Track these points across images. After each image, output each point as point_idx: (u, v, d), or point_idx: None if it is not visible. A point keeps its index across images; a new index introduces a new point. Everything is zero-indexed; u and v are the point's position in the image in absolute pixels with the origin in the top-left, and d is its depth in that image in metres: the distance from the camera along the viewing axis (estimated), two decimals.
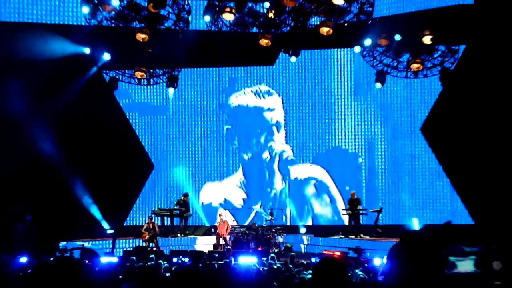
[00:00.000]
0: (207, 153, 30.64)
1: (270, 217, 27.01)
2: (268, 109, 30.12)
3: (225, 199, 30.30)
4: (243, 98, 30.25)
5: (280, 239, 26.96)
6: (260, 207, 29.93)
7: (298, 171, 29.86)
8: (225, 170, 30.67)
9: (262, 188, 30.21)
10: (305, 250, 27.10)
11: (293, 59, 27.17)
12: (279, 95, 30.13)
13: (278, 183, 30.04)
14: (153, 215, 26.46)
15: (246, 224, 28.96)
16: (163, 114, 30.70)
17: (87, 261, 18.15)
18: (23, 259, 19.34)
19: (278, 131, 30.08)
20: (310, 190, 29.65)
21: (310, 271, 15.37)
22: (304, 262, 18.43)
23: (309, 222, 29.56)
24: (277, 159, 30.11)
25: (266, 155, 30.10)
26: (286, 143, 30.15)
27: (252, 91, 30.22)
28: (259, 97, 30.15)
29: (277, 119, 30.09)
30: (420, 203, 28.43)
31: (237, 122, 30.33)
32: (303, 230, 28.79)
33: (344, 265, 4.72)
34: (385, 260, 18.63)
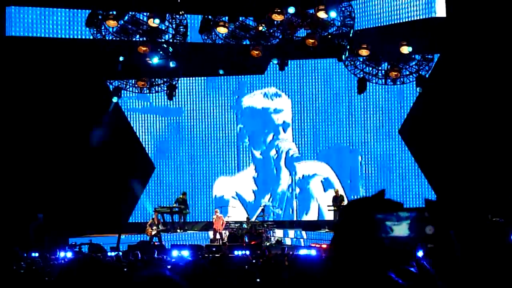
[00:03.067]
0: (219, 150, 31.43)
1: (262, 214, 27.85)
2: (275, 110, 30.90)
3: (236, 193, 31.02)
4: (252, 99, 31.19)
5: (272, 233, 27.77)
6: (269, 200, 30.65)
7: (304, 168, 30.62)
8: (236, 165, 31.49)
9: (270, 183, 31.09)
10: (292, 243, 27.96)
11: (281, 68, 27.85)
12: (288, 97, 30.94)
13: (285, 179, 30.77)
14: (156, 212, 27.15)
15: (255, 216, 29.81)
16: (166, 116, 31.47)
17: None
18: (36, 254, 20.12)
19: (284, 130, 30.82)
20: (316, 185, 30.36)
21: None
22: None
23: (315, 217, 30.29)
24: (283, 156, 30.86)
25: (273, 152, 30.88)
26: (293, 141, 30.88)
27: (261, 93, 31.05)
28: (267, 98, 30.94)
29: (284, 119, 30.84)
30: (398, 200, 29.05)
31: (247, 122, 31.18)
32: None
33: None
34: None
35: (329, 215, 28.53)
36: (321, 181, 30.36)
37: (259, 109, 31.16)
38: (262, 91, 31.22)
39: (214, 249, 22.23)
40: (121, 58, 26.62)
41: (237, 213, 30.18)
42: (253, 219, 29.15)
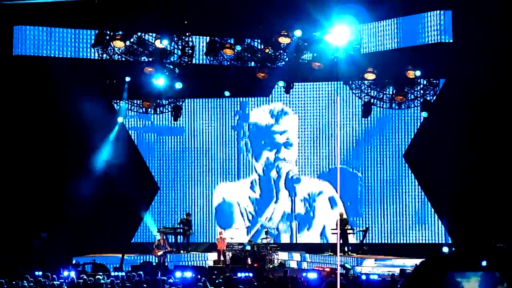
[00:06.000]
0: (220, 165, 31.29)
1: (265, 236, 27.67)
2: (280, 130, 30.73)
3: (238, 203, 30.98)
4: (258, 115, 30.97)
5: (275, 256, 27.57)
6: (267, 220, 30.41)
7: (306, 187, 30.49)
8: (236, 173, 31.28)
9: (269, 204, 30.81)
10: (297, 266, 27.74)
11: (286, 91, 27.77)
12: (295, 113, 30.77)
13: (285, 200, 30.58)
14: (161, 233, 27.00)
15: (250, 236, 29.66)
16: (171, 135, 31.38)
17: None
18: (39, 273, 20.01)
19: (287, 149, 30.58)
20: (321, 204, 30.14)
21: None
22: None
23: (316, 239, 30.13)
24: (283, 176, 30.64)
25: (274, 173, 30.68)
26: (297, 160, 30.73)
27: (268, 110, 30.91)
28: (273, 116, 30.75)
29: (287, 138, 30.65)
30: (404, 225, 28.93)
31: (252, 137, 31.06)
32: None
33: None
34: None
35: (333, 238, 28.39)
36: (328, 199, 30.14)
37: (263, 126, 31.03)
38: (270, 106, 30.99)
39: (216, 271, 22.02)
40: (127, 79, 26.60)
41: (237, 234, 29.84)
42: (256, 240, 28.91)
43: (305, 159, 30.67)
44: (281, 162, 30.72)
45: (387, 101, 27.14)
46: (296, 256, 28.65)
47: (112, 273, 21.47)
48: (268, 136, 30.93)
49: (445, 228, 27.97)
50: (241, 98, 30.97)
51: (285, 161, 30.64)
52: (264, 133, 30.96)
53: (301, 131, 30.68)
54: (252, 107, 31.10)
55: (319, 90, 30.38)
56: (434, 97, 26.95)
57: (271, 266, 26.02)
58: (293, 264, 28.32)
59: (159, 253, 25.88)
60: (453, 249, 24.86)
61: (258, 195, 30.90)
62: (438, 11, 26.53)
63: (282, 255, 28.54)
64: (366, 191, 29.97)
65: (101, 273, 20.14)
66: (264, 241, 27.81)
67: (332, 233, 28.37)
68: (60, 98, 27.39)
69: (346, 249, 26.89)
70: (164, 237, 26.84)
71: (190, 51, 25.73)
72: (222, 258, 26.79)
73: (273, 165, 30.79)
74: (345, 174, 29.88)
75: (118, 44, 24.76)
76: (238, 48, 25.89)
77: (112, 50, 25.46)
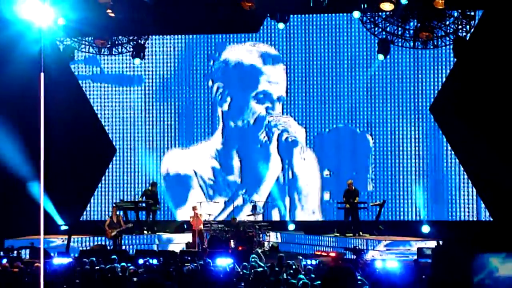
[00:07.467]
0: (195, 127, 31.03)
1: (253, 211, 27.37)
2: (272, 80, 30.16)
3: (194, 172, 30.36)
4: (243, 52, 30.46)
5: (265, 237, 27.28)
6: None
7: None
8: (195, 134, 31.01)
9: (257, 172, 30.40)
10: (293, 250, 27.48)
11: (280, 25, 27.31)
12: (285, 63, 30.41)
13: (275, 168, 30.11)
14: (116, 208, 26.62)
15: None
16: (128, 85, 30.75)
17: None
18: None
19: (280, 102, 30.17)
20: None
21: (302, 276, 15.65)
22: (293, 264, 18.70)
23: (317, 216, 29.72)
24: (275, 137, 30.14)
25: (263, 135, 30.15)
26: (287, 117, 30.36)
27: (256, 49, 30.26)
28: (263, 59, 30.17)
29: (279, 90, 30.14)
30: (428, 196, 28.73)
31: (230, 80, 30.46)
32: (291, 226, 29.05)
33: (354, 274, 5.01)
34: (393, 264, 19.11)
35: (339, 214, 28.12)
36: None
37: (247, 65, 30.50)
38: (258, 46, 30.52)
39: (189, 257, 21.67)
40: None
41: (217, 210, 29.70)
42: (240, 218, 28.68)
43: (299, 115, 30.32)
44: (273, 118, 30.25)
45: (409, 38, 26.90)
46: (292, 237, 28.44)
47: (55, 260, 20.99)
48: (257, 82, 30.52)
49: (482, 201, 27.79)
50: (220, 36, 30.43)
51: (278, 118, 30.24)
52: (253, 76, 30.56)
53: (297, 81, 30.45)
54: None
55: (321, 24, 30.00)
56: (469, 34, 26.67)
57: (260, 251, 25.72)
58: (286, 248, 28.10)
59: (112, 234, 25.50)
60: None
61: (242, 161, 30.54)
62: None
63: (275, 237, 28.26)
64: (378, 156, 29.66)
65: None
66: (251, 218, 27.47)
67: (339, 208, 28.00)
68: None
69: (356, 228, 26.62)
70: (119, 213, 26.53)
71: None
72: (197, 241, 26.55)
73: (261, 120, 30.35)
74: (352, 135, 29.57)
75: None
76: None
77: None
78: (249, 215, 27.98)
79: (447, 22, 26.43)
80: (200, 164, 30.57)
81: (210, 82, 30.48)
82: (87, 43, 28.32)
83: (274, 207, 30.05)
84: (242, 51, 30.36)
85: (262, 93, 30.19)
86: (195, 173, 30.44)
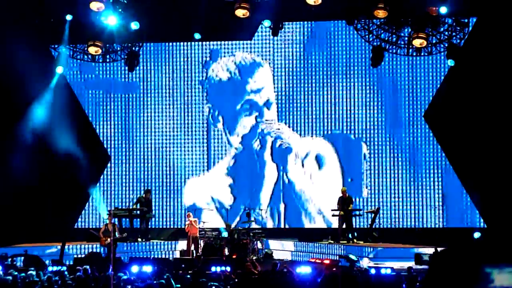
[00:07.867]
0: (184, 143, 30.89)
1: (247, 219, 27.39)
2: (256, 89, 30.16)
3: (211, 198, 30.38)
4: (224, 71, 30.32)
5: (259, 244, 27.29)
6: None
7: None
8: (207, 160, 30.97)
9: (252, 182, 30.55)
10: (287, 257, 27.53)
11: (266, 23, 27.36)
12: (270, 66, 30.30)
13: (271, 175, 30.14)
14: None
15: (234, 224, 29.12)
16: (125, 93, 30.72)
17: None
18: None
19: (268, 109, 30.13)
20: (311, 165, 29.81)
21: None
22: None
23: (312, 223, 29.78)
24: (269, 145, 30.15)
25: (256, 143, 30.16)
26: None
27: (235, 62, 30.23)
28: (245, 69, 30.18)
29: (267, 96, 30.13)
30: (422, 202, 28.78)
31: (218, 100, 30.50)
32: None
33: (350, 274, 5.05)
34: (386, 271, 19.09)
35: (334, 222, 28.17)
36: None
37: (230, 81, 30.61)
38: (236, 58, 30.57)
39: (184, 265, 21.72)
40: (69, 17, 26.03)
41: (213, 220, 29.51)
42: (234, 225, 28.76)
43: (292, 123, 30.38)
44: (264, 126, 30.26)
45: (403, 45, 26.90)
46: (288, 244, 28.41)
47: (50, 268, 21.07)
48: (242, 95, 30.57)
49: (476, 208, 27.82)
50: (215, 43, 30.46)
51: (270, 124, 30.24)
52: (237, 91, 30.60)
53: (288, 87, 30.41)
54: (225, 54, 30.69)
55: (314, 32, 30.09)
56: (463, 41, 26.64)
57: (254, 258, 25.74)
58: (283, 255, 28.12)
59: (107, 242, 25.47)
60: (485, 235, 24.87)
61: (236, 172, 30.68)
62: None
63: (271, 244, 28.31)
64: (373, 163, 29.67)
65: (34, 268, 19.56)
66: (246, 225, 27.49)
67: (333, 215, 27.96)
68: None
69: (350, 235, 26.63)
70: (114, 221, 26.48)
71: None
72: (192, 248, 26.56)
73: (254, 130, 30.36)
74: (346, 142, 29.58)
75: None
76: None
77: None
78: (243, 222, 28.00)
79: (441, 29, 26.45)
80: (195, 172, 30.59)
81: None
82: (80, 50, 28.29)
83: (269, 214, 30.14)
84: (230, 63, 30.48)
85: (249, 103, 30.23)
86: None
